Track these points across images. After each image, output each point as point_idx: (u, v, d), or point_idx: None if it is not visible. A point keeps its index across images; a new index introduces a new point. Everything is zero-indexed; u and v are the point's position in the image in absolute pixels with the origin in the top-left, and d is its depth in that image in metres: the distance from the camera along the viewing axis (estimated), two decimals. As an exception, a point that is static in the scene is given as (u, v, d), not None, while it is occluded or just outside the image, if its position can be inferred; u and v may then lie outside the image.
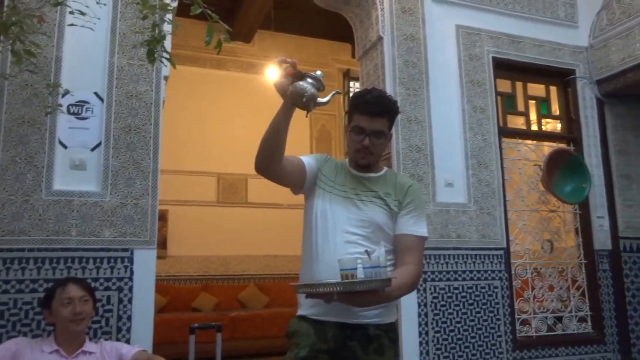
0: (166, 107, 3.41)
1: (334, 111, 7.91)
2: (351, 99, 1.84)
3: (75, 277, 2.68)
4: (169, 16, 2.29)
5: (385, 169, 1.93)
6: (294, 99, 1.53)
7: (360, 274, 1.51)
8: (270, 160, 1.70)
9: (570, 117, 4.46)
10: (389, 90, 3.70)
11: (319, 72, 1.59)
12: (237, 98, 7.31)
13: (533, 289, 4.00)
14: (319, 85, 1.56)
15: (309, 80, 1.55)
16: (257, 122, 7.26)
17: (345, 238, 1.71)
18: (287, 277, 7.08)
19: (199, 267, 6.93)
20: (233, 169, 7.20)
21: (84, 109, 2.98)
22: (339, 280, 1.48)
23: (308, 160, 1.85)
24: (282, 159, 1.69)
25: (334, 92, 1.65)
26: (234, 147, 7.16)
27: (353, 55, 4.83)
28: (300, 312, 1.79)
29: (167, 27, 2.74)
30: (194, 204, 6.92)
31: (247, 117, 7.31)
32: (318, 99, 1.56)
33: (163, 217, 6.51)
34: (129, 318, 2.83)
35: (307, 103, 1.52)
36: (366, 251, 1.57)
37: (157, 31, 2.03)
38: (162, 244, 6.52)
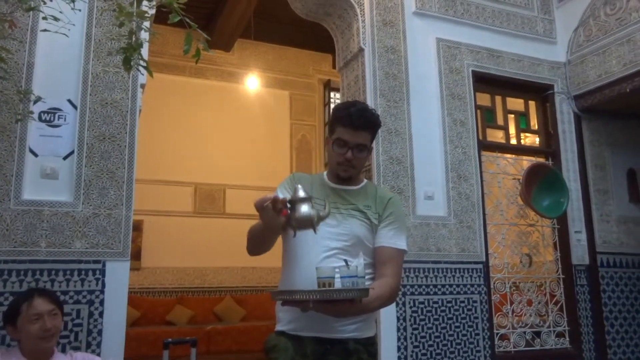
0: (143, 115, 3.37)
1: (314, 122, 7.92)
2: (334, 111, 1.84)
3: (40, 288, 2.58)
4: (147, 24, 2.27)
5: (365, 181, 1.92)
6: (301, 227, 1.51)
7: (338, 283, 1.51)
8: (260, 252, 1.77)
9: (548, 131, 4.54)
10: (370, 101, 3.72)
11: (300, 188, 1.53)
12: (216, 107, 7.27)
13: (512, 303, 4.03)
14: (310, 199, 1.54)
15: (305, 205, 1.51)
16: (236, 132, 7.36)
17: (324, 251, 1.70)
18: (264, 290, 7.02)
19: (174, 279, 6.83)
20: (211, 179, 7.15)
21: (57, 116, 2.93)
22: (316, 288, 1.48)
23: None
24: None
25: (326, 201, 1.63)
26: (212, 156, 7.12)
27: (334, 66, 4.86)
28: (278, 327, 1.77)
29: (144, 35, 2.71)
30: (170, 214, 6.83)
31: (226, 126, 7.28)
32: (321, 214, 1.55)
33: (138, 227, 6.42)
34: (100, 332, 2.77)
35: (315, 225, 1.52)
36: (345, 260, 1.57)
37: (133, 39, 2.00)
38: (136, 255, 6.42)
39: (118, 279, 2.87)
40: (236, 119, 7.32)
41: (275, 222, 1.49)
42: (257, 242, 1.73)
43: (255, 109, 7.39)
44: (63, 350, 2.64)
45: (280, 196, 1.75)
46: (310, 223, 1.50)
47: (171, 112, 7.02)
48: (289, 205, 1.50)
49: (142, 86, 3.19)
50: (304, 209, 1.50)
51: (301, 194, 1.52)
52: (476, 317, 3.76)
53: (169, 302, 6.42)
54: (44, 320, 2.20)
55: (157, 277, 6.74)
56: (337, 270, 1.53)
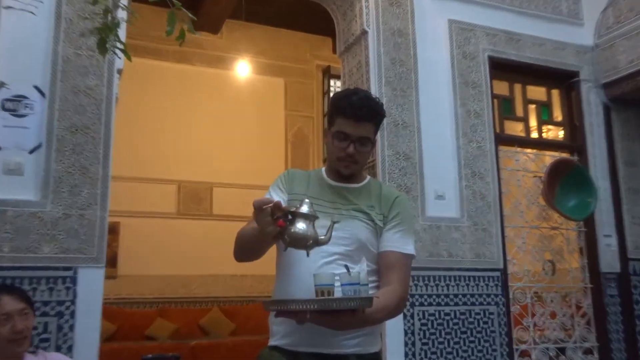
0: (120, 104, 3.36)
1: (311, 113, 7.92)
2: (333, 101, 1.82)
3: (9, 285, 2.55)
4: (124, 1, 2.26)
5: (368, 178, 1.91)
6: (293, 245, 1.51)
7: (339, 292, 1.50)
8: (250, 259, 1.77)
9: (573, 123, 4.54)
10: (374, 90, 3.72)
11: (307, 203, 1.53)
12: (202, 96, 7.26)
13: (533, 315, 4.03)
14: (313, 219, 1.54)
15: (303, 223, 1.50)
16: (225, 124, 7.34)
17: (323, 258, 1.69)
18: (256, 300, 7.01)
19: (155, 289, 6.81)
20: (196, 177, 7.13)
21: (22, 105, 2.92)
22: (314, 297, 1.47)
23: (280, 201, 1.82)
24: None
25: (330, 224, 1.62)
26: (198, 151, 7.10)
27: (334, 51, 4.85)
28: (272, 342, 1.76)
29: (121, 14, 2.69)
30: (150, 215, 6.82)
31: (214, 118, 7.27)
32: (319, 237, 1.54)
33: (114, 230, 6.39)
34: (70, 348, 2.76)
35: (309, 248, 1.51)
36: (345, 266, 1.56)
37: (109, 18, 2.00)
38: (112, 262, 6.40)
39: (91, 288, 2.85)
40: (225, 110, 7.31)
41: (267, 230, 1.48)
42: (248, 248, 1.72)
43: (246, 98, 7.38)
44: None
45: (275, 198, 1.74)
46: (303, 244, 1.50)
47: (152, 102, 7.00)
48: (289, 217, 1.50)
49: (119, 72, 3.17)
50: (302, 227, 1.50)
51: (305, 209, 1.52)
52: (493, 331, 3.76)
53: (149, 315, 6.40)
54: (15, 321, 2.16)
55: (135, 286, 6.72)
56: (337, 277, 1.52)
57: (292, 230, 1.49)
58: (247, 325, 6.59)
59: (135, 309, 6.60)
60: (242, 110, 7.32)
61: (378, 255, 1.77)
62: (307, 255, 1.54)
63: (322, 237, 1.55)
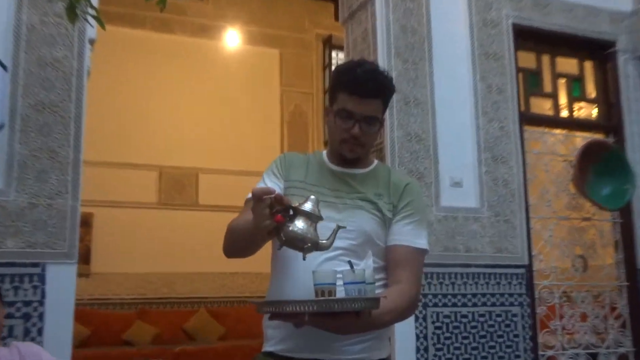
0: (92, 79, 3.35)
1: (310, 88, 7.90)
2: (335, 74, 1.81)
3: None
4: (96, -41, 2.24)
5: (376, 162, 1.91)
6: (288, 245, 1.50)
7: (341, 292, 1.50)
8: (242, 255, 1.79)
9: (609, 100, 4.53)
10: (382, 62, 3.70)
11: (311, 202, 1.51)
12: (186, 70, 7.24)
13: (561, 317, 4.04)
14: (316, 220, 1.53)
15: (304, 222, 1.49)
16: (212, 102, 7.32)
17: (325, 253, 1.69)
18: (248, 301, 7.04)
19: (134, 288, 6.84)
20: (180, 161, 7.13)
21: (-18, 79, 2.91)
22: (313, 298, 1.47)
23: (276, 188, 1.82)
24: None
25: (335, 229, 1.61)
26: (181, 132, 7.10)
27: (336, 18, 4.81)
28: (266, 347, 1.77)
29: (93, -26, 2.69)
30: (127, 205, 6.83)
31: (199, 94, 7.25)
32: (319, 242, 1.53)
33: (87, 222, 6.41)
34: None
35: (306, 251, 1.51)
36: (349, 262, 1.56)
37: (79, -22, 1.98)
38: (85, 258, 6.43)
39: (62, 287, 2.86)
40: (212, 86, 7.29)
41: (262, 223, 1.48)
42: (240, 243, 1.73)
43: (235, 72, 7.36)
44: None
45: (269, 185, 1.75)
46: (300, 246, 1.50)
47: (129, 76, 6.98)
48: (290, 212, 1.50)
49: (91, 42, 3.16)
50: (302, 226, 1.49)
51: (309, 207, 1.51)
52: (516, 335, 3.78)
53: (127, 317, 6.43)
54: None
55: (111, 285, 6.75)
56: (339, 274, 1.51)
57: (290, 228, 1.49)
58: (238, 329, 6.62)
59: (111, 310, 6.63)
60: (231, 86, 7.30)
61: (386, 250, 1.77)
62: (304, 258, 1.54)
63: (323, 242, 1.54)
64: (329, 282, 1.48)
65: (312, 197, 1.54)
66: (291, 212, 1.50)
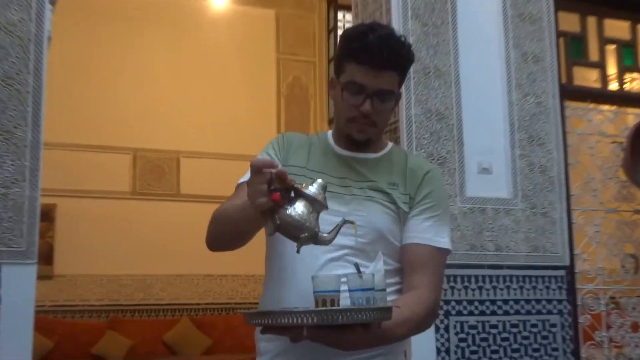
0: (54, 47, 3.34)
1: (312, 57, 7.88)
2: (342, 40, 1.80)
3: None
4: None
5: (390, 145, 1.91)
6: (282, 230, 1.50)
7: (346, 300, 1.50)
8: (230, 247, 1.78)
9: (666, 70, 4.53)
10: (397, 25, 3.69)
11: (316, 185, 1.52)
12: (165, 34, 7.23)
13: (609, 328, 4.05)
14: (319, 208, 1.52)
15: (304, 207, 1.49)
16: (196, 73, 7.29)
17: (328, 253, 1.69)
18: (238, 309, 7.07)
19: (104, 293, 6.87)
20: (157, 143, 7.14)
21: None
22: (313, 307, 1.47)
23: None
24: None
25: (340, 224, 1.60)
26: (159, 109, 7.09)
27: (343, -28, 4.79)
28: (259, 362, 1.79)
29: None
30: (96, 195, 6.85)
31: (181, 63, 7.23)
32: (319, 234, 1.53)
33: (48, 215, 6.43)
34: (-7, 371, 2.80)
35: (301, 244, 1.50)
36: (355, 265, 1.55)
37: None
38: (47, 257, 6.45)
39: (19, 292, 2.86)
40: (195, 54, 7.27)
41: (257, 200, 1.48)
42: (228, 229, 1.70)
43: (223, 37, 7.33)
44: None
45: (274, 160, 1.76)
46: (296, 234, 1.50)
47: (97, 43, 6.97)
48: (292, 195, 1.50)
49: (53, 2, 3.15)
50: (302, 211, 1.49)
51: (314, 189, 1.51)
52: (555, 349, 3.79)
53: (97, 327, 6.46)
54: None
55: (78, 289, 6.78)
56: (343, 279, 1.51)
57: (288, 212, 1.49)
58: (226, 341, 6.65)
59: (78, 319, 6.66)
60: (218, 54, 7.28)
61: (402, 250, 1.77)
62: (297, 251, 1.54)
63: (324, 235, 1.54)
64: (332, 290, 1.47)
65: (320, 180, 1.54)
66: (292, 195, 1.50)
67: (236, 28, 7.43)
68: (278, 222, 1.49)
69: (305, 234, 1.50)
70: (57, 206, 6.57)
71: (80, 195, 6.75)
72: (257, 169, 1.47)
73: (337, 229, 1.57)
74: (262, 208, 1.48)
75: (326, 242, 1.56)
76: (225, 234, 1.75)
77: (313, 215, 1.51)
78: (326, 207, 1.53)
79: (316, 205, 1.51)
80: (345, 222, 1.59)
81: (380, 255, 1.68)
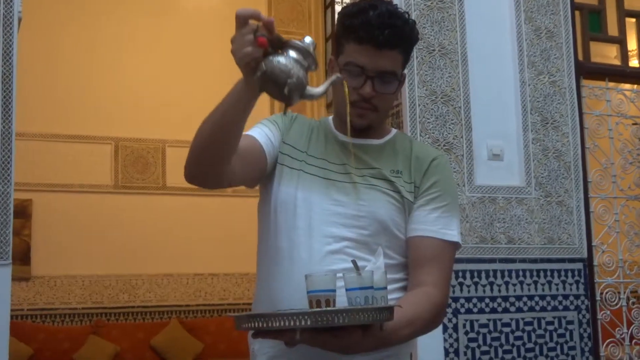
0: (25, 27, 3.33)
1: (309, 35, 7.84)
2: (341, 18, 1.81)
3: None
4: None
5: (394, 131, 1.92)
6: (267, 85, 1.50)
7: (343, 300, 1.50)
8: (213, 168, 1.67)
9: (691, 45, 4.52)
10: (398, 0, 3.68)
11: (308, 40, 1.55)
12: (146, 13, 7.19)
13: (630, 324, 4.06)
14: (309, 63, 1.53)
15: (293, 54, 1.52)
16: (181, 54, 7.26)
17: (327, 245, 1.70)
18: (231, 310, 7.08)
19: (86, 295, 6.87)
20: (141, 132, 7.12)
21: None
22: (307, 308, 1.47)
23: (264, 133, 1.82)
24: (230, 163, 1.66)
25: (332, 79, 1.61)
26: (142, 95, 7.06)
27: (339, -57, 4.77)
28: (253, 366, 1.79)
29: None
30: (75, 189, 6.84)
31: (165, 45, 7.21)
32: (307, 87, 1.52)
33: (23, 211, 6.42)
34: (-33, 381, 2.80)
35: (289, 94, 1.49)
36: (353, 262, 1.56)
37: None
38: (23, 257, 6.44)
39: (-7, 295, 2.87)
40: (180, 35, 7.24)
41: (243, 50, 1.49)
42: (211, 139, 1.64)
43: (210, 15, 7.30)
44: None
45: (266, 131, 1.80)
46: (282, 79, 1.49)
47: (72, 24, 6.94)
48: (282, 49, 1.52)
49: (23, -21, 3.14)
50: (290, 58, 1.51)
51: (299, 43, 1.54)
52: (572, 348, 3.80)
53: (79, 332, 6.46)
54: None
55: (57, 291, 6.77)
56: (340, 275, 1.52)
57: (275, 58, 1.51)
58: (219, 345, 6.65)
59: (58, 324, 6.66)
60: (204, 33, 7.24)
61: (407, 243, 1.78)
62: (284, 112, 1.58)
63: (314, 88, 1.56)
64: (327, 289, 1.47)
65: (309, 37, 1.57)
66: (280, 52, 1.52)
67: (222, 10, 7.39)
68: (264, 68, 1.50)
69: (292, 79, 1.50)
70: (32, 202, 6.56)
71: (58, 190, 6.73)
72: (244, 19, 1.49)
73: (328, 84, 1.59)
74: (248, 58, 1.49)
75: (314, 96, 1.57)
76: (207, 142, 1.65)
77: (302, 70, 1.52)
78: (315, 63, 1.56)
79: (305, 56, 1.53)
80: (337, 77, 1.63)
81: (380, 251, 1.68)
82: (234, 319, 1.52)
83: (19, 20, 3.14)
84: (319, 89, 1.57)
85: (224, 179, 1.69)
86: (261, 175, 1.82)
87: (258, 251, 1.84)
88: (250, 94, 1.57)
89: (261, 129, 1.83)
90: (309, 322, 1.40)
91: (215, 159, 1.65)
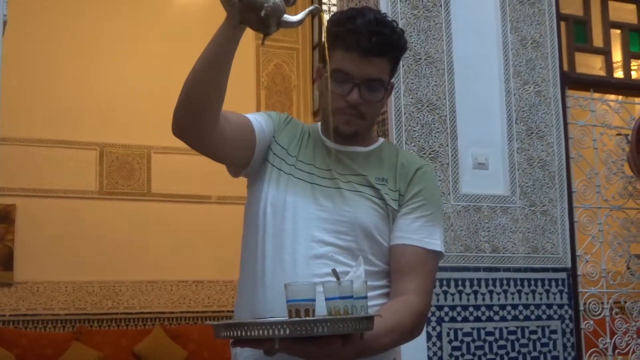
0: (10, 32, 3.32)
1: (296, 43, 7.85)
2: (331, 25, 1.82)
3: None
4: None
5: (381, 140, 1.94)
6: (245, 13, 1.51)
7: (323, 309, 1.50)
8: (200, 115, 1.68)
9: (676, 57, 4.55)
10: (385, 9, 3.68)
11: None
12: (131, 17, 7.19)
13: (613, 334, 4.06)
14: None
15: None
16: (166, 59, 7.26)
17: (311, 250, 1.71)
18: (216, 317, 7.06)
19: (69, 301, 6.84)
20: (126, 138, 7.11)
21: None
22: (286, 317, 1.47)
23: (257, 119, 1.84)
24: (218, 115, 1.66)
25: (310, 8, 1.62)
26: (127, 100, 7.05)
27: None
28: (237, 374, 1.79)
29: None
30: (59, 195, 6.81)
31: (150, 49, 7.20)
32: (285, 15, 1.53)
33: (7, 216, 6.40)
34: (-53, 387, 2.78)
35: (266, 21, 1.50)
36: (333, 271, 1.55)
37: None
38: (6, 262, 6.43)
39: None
40: (165, 38, 7.23)
41: None
42: (198, 81, 1.68)
43: (195, 19, 7.28)
44: None
45: (261, 121, 1.82)
46: (259, 5, 1.51)
47: (57, 27, 6.92)
48: None
49: (8, -18, 3.13)
50: None
51: None
52: (556, 357, 3.80)
53: (62, 338, 6.44)
54: None
55: (41, 297, 6.74)
56: (319, 285, 1.52)
57: None
58: (203, 353, 6.64)
59: (41, 330, 6.63)
60: (190, 38, 7.22)
61: (390, 251, 1.79)
62: (263, 42, 1.58)
63: (291, 17, 1.56)
64: (306, 299, 1.47)
65: None
66: None
67: (209, 11, 7.38)
68: (236, 1, 1.52)
69: (269, 4, 1.51)
70: (16, 207, 6.52)
71: (42, 195, 6.70)
72: None
73: (306, 12, 1.60)
74: None
75: (293, 24, 1.58)
76: (195, 83, 1.69)
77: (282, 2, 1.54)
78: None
79: None
80: (318, 10, 1.65)
81: (360, 260, 1.69)
82: (213, 327, 1.52)
83: (4, 23, 3.13)
84: (297, 17, 1.58)
85: (213, 137, 1.70)
86: (247, 157, 1.82)
87: (242, 252, 1.85)
88: (230, 26, 1.61)
89: (255, 117, 1.86)
90: (288, 332, 1.40)
91: (204, 101, 1.67)
